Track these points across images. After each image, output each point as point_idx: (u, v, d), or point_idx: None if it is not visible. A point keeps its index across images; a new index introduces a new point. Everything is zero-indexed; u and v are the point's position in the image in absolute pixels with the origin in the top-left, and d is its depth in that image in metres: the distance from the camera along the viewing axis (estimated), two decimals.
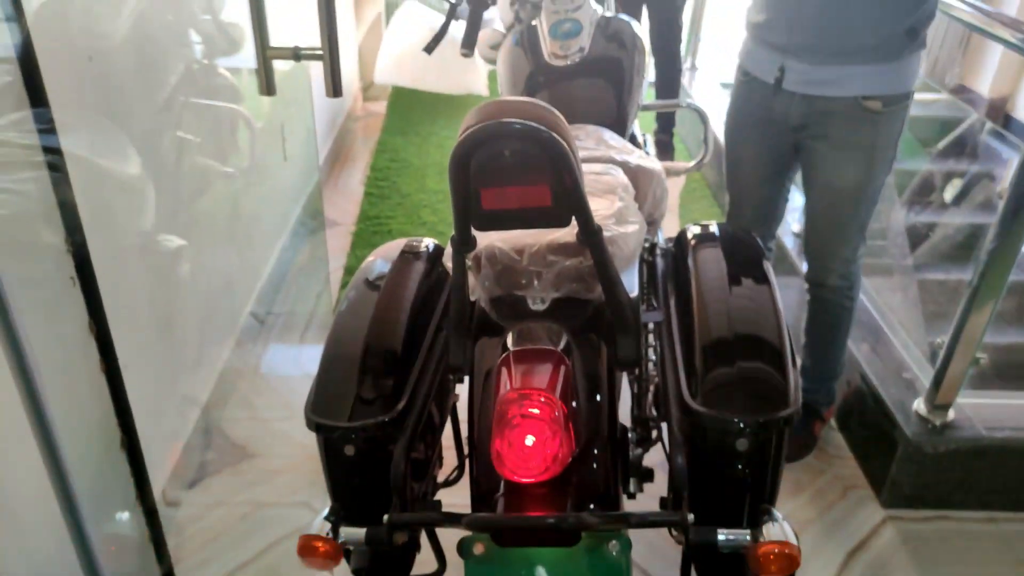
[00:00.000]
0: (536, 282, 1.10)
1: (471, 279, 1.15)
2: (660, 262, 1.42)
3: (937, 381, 1.77)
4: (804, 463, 2.00)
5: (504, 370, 1.03)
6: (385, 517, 1.00)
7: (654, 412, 1.52)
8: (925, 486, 1.82)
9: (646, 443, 1.37)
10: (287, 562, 1.71)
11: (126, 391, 0.90)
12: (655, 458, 1.29)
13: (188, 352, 1.90)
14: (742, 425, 0.99)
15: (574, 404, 1.03)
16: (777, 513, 0.98)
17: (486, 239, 1.09)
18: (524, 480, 0.94)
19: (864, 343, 2.10)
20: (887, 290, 2.43)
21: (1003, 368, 2.06)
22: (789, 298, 1.97)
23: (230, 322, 2.26)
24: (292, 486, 1.90)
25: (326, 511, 1.06)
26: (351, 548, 1.10)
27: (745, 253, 1.29)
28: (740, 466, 1.01)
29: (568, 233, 1.08)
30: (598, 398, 1.07)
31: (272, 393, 2.26)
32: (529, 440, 0.94)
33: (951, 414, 1.80)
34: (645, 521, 0.98)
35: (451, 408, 1.42)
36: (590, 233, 0.97)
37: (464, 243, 1.01)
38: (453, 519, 0.97)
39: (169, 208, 1.80)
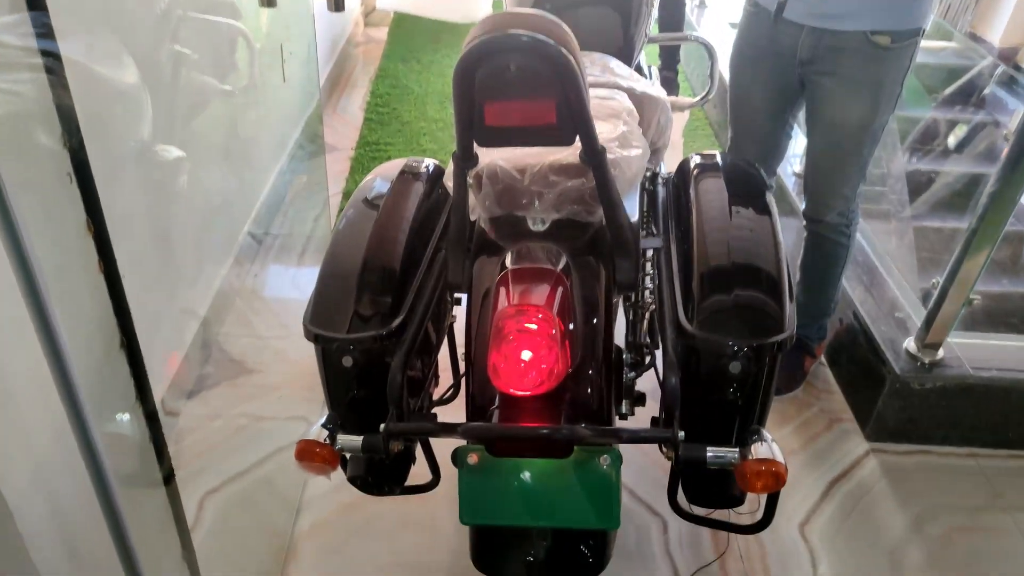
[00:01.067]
0: (537, 202, 1.10)
1: (471, 198, 1.14)
2: (661, 191, 1.41)
3: (929, 320, 1.79)
4: (792, 396, 2.03)
5: (502, 287, 1.04)
6: (382, 426, 1.02)
7: (648, 339, 1.54)
8: (910, 421, 1.86)
9: (639, 368, 1.39)
10: (283, 473, 1.75)
11: (124, 292, 0.90)
12: (648, 386, 1.31)
13: (186, 265, 1.91)
14: (736, 348, 1.00)
15: (571, 323, 1.04)
16: (766, 433, 1.00)
17: (488, 157, 1.09)
18: (519, 393, 0.96)
19: (859, 283, 2.11)
20: (885, 234, 2.43)
21: (995, 315, 2.08)
22: (786, 239, 1.98)
23: (228, 240, 2.26)
24: (289, 401, 1.93)
25: (323, 419, 1.08)
26: (347, 456, 1.13)
27: (747, 183, 1.29)
28: (732, 389, 1.03)
29: (571, 154, 1.07)
30: (595, 319, 1.08)
31: (270, 312, 2.28)
32: (525, 354, 0.95)
33: (940, 353, 1.82)
34: (636, 437, 1.00)
35: (448, 329, 1.44)
36: (593, 153, 0.96)
37: (466, 159, 1.00)
38: (448, 429, 1.00)
39: (166, 121, 1.78)
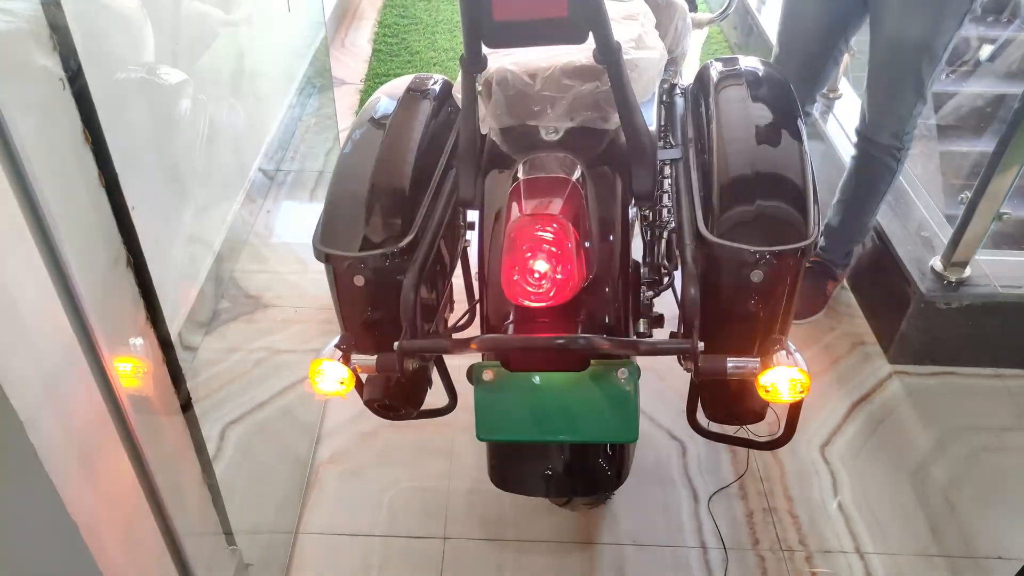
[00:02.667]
0: (550, 109, 1.05)
1: (481, 109, 1.10)
2: (679, 101, 1.36)
3: (957, 236, 1.74)
4: (814, 320, 2.00)
5: (515, 199, 1.00)
6: (396, 344, 1.00)
7: (666, 260, 1.51)
8: (934, 342, 1.83)
9: (658, 287, 1.37)
10: (302, 404, 1.76)
11: (128, 207, 0.88)
12: (667, 311, 1.28)
13: (197, 197, 1.89)
14: (757, 256, 0.97)
15: (587, 233, 1.00)
16: (789, 343, 0.97)
17: (497, 62, 1.04)
18: (534, 305, 0.94)
19: (884, 203, 2.05)
20: (912, 155, 2.35)
21: (1019, 239, 2.02)
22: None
23: (239, 175, 2.24)
24: (306, 335, 1.93)
25: (336, 339, 1.06)
26: (364, 380, 1.12)
27: (771, 88, 1.23)
28: (753, 298, 1.00)
29: (584, 56, 1.02)
30: (611, 230, 1.04)
31: (284, 248, 2.27)
32: (540, 265, 0.92)
33: (967, 271, 1.77)
34: (655, 348, 0.98)
35: (462, 253, 1.41)
36: (608, 50, 0.91)
37: (474, 62, 0.96)
38: (463, 344, 0.98)
39: (170, 50, 1.74)
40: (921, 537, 1.52)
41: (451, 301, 1.37)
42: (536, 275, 0.92)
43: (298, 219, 2.41)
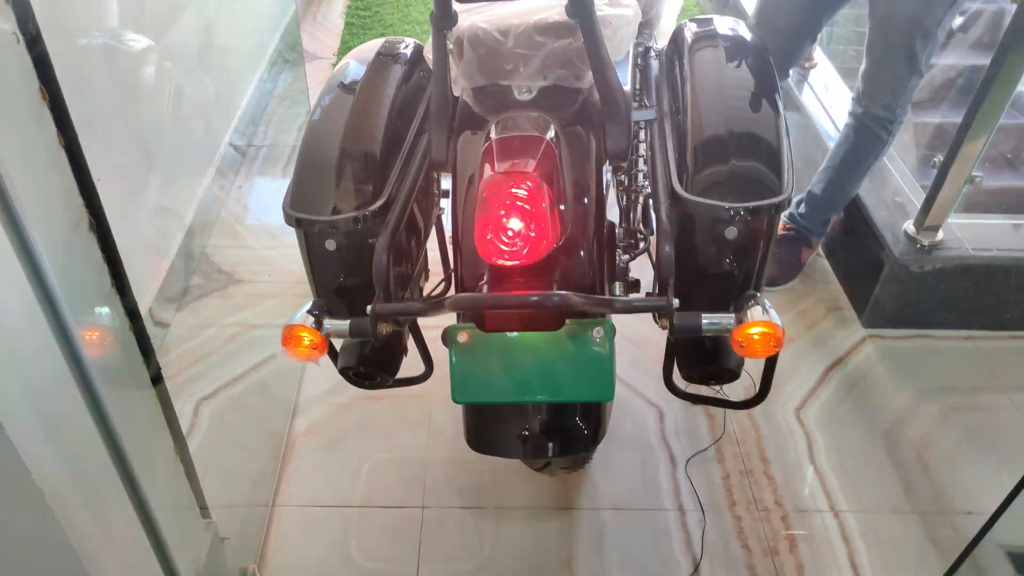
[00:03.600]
0: (522, 67, 1.04)
1: (453, 69, 1.09)
2: (654, 63, 1.35)
3: (929, 200, 1.75)
4: (789, 287, 2.01)
5: (488, 158, 0.99)
6: (368, 308, 0.99)
7: (642, 226, 1.50)
8: (908, 306, 1.85)
9: (633, 251, 1.36)
10: (277, 378, 1.74)
11: (88, 167, 0.85)
12: (644, 277, 1.27)
13: (166, 170, 1.85)
14: (732, 212, 0.96)
15: (561, 192, 0.99)
16: (763, 298, 0.97)
17: (469, 20, 1.02)
18: (508, 263, 0.93)
19: None
20: None
21: (992, 208, 2.03)
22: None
23: (209, 149, 2.20)
24: (280, 309, 1.91)
25: (308, 305, 1.05)
26: (336, 346, 1.10)
27: (746, 49, 1.22)
28: (728, 255, 1.00)
29: (557, 13, 1.01)
30: (586, 189, 1.04)
31: (257, 223, 2.23)
32: (514, 223, 0.91)
33: (940, 235, 1.79)
34: (630, 306, 0.97)
35: (436, 220, 1.40)
36: (580, 4, 0.90)
37: (444, 18, 0.94)
38: (436, 304, 0.97)
39: (135, 19, 1.70)
40: (894, 495, 1.54)
41: (426, 270, 1.35)
42: (510, 233, 0.91)
43: (271, 194, 2.37)
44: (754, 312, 0.94)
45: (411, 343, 1.19)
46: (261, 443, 1.60)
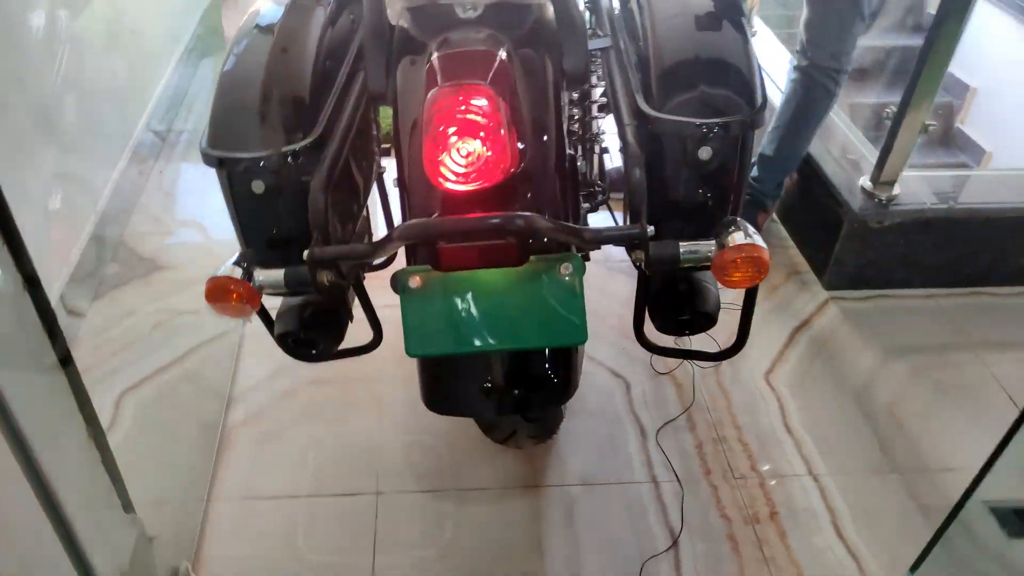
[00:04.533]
0: None
1: None
2: None
3: (884, 153, 1.71)
4: None
5: (431, 76, 0.88)
6: (305, 253, 0.86)
7: (600, 181, 1.41)
8: (868, 265, 1.80)
9: (593, 201, 1.27)
10: (208, 366, 1.59)
11: None
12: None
13: (71, 151, 1.69)
14: (703, 129, 0.88)
15: (517, 112, 0.88)
16: (744, 223, 0.89)
17: None
18: (463, 188, 0.82)
19: None
20: None
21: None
22: None
23: (122, 132, 2.03)
24: None
25: (235, 256, 0.92)
26: (272, 312, 0.98)
27: None
28: (703, 178, 0.91)
29: None
30: (544, 112, 0.93)
31: (181, 210, 2.07)
32: (468, 142, 0.80)
33: (896, 189, 1.75)
34: (600, 236, 0.88)
35: (378, 177, 1.28)
36: None
37: None
38: (382, 244, 0.85)
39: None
40: (872, 455, 1.48)
41: (368, 232, 1.23)
42: (464, 152, 0.80)
43: (196, 179, 2.20)
44: (737, 237, 0.85)
45: (357, 309, 1.06)
46: (193, 435, 1.45)
